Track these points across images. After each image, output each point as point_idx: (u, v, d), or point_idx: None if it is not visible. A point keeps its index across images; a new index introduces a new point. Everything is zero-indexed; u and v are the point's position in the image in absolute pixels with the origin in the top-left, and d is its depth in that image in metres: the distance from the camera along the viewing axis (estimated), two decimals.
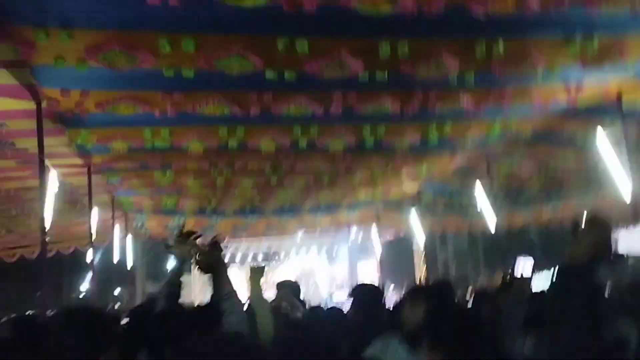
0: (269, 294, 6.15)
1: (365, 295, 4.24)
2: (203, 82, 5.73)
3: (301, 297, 5.14)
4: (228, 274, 3.11)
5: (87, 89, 5.77)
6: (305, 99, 6.21)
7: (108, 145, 7.43)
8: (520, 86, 6.46)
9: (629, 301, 3.07)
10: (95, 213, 9.49)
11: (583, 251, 1.53)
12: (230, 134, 7.38)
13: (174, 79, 5.40)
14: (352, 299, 4.48)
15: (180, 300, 3.26)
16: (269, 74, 5.29)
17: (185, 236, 3.26)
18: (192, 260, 3.22)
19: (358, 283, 5.12)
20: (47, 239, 6.18)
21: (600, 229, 1.56)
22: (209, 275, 3.08)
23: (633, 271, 3.15)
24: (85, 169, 8.69)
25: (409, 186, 12.30)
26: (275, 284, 5.10)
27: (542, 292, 2.31)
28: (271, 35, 4.94)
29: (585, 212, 1.60)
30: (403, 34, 5.05)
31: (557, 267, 1.60)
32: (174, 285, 3.13)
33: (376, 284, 5.59)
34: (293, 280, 5.19)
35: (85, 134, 6.99)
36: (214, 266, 3.08)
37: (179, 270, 3.21)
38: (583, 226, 1.58)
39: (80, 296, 21.54)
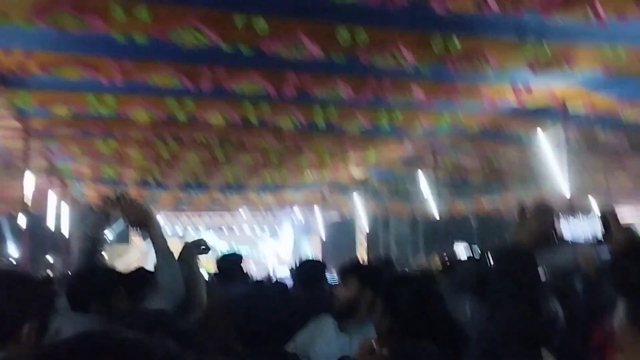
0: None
1: (309, 270, 4.31)
2: (154, 52, 5.57)
3: (244, 270, 5.12)
4: (161, 230, 2.85)
5: (31, 49, 5.50)
6: (259, 76, 6.13)
7: (49, 109, 7.13)
8: (472, 83, 6.61)
9: (561, 285, 3.33)
10: (30, 178, 9.13)
11: (528, 235, 1.60)
12: (179, 106, 7.21)
13: (124, 46, 5.23)
14: (296, 273, 4.53)
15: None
16: (225, 48, 5.17)
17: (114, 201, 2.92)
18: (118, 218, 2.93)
19: (302, 259, 5.15)
20: None
21: (547, 214, 1.63)
22: (140, 231, 2.79)
23: (573, 257, 3.34)
24: (23, 133, 8.35)
25: (356, 171, 12.45)
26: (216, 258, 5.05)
27: (482, 271, 2.41)
28: (229, 11, 4.83)
29: (533, 199, 1.67)
30: (363, 21, 5.06)
31: (499, 249, 1.68)
32: (90, 239, 2.84)
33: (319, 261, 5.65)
34: (236, 252, 5.14)
35: (25, 96, 6.68)
36: (144, 218, 2.81)
37: (98, 223, 2.90)
38: (530, 211, 1.65)
39: (11, 260, 20.77)
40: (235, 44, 5.20)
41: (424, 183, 11.70)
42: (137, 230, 2.79)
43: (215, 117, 7.53)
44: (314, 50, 5.24)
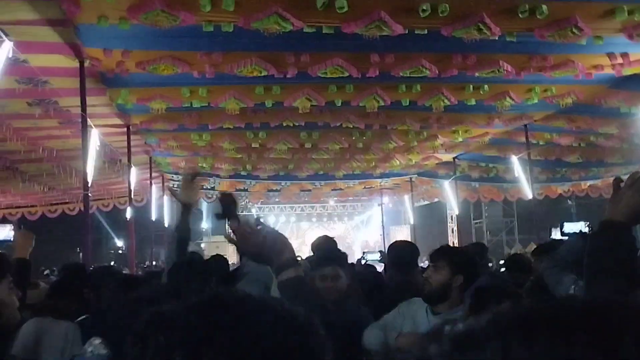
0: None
1: (400, 252, 4.28)
2: (241, 43, 5.77)
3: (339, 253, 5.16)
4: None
5: (128, 48, 5.87)
6: (342, 60, 6.19)
7: (147, 105, 7.56)
8: (564, 55, 6.32)
9: None
10: (133, 173, 9.74)
11: (625, 207, 1.53)
12: (266, 93, 7.43)
13: (212, 38, 5.45)
14: (387, 256, 4.51)
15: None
16: (307, 29, 5.28)
17: (191, 179, 2.74)
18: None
19: (393, 242, 5.12)
20: (89, 196, 6.38)
21: None
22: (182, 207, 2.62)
23: None
24: (125, 129, 8.92)
25: (444, 154, 12.24)
26: (311, 243, 5.14)
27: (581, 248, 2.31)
28: None
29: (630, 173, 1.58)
30: None
31: (597, 224, 1.62)
32: (183, 230, 2.70)
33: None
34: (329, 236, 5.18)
35: (125, 94, 7.14)
36: (189, 199, 2.63)
37: (185, 216, 2.70)
38: (626, 183, 1.57)
39: (119, 252, 22.18)
40: (318, 25, 5.29)
41: (516, 164, 11.31)
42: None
43: (301, 101, 7.66)
44: (396, 27, 5.22)
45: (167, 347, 0.65)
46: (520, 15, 5.16)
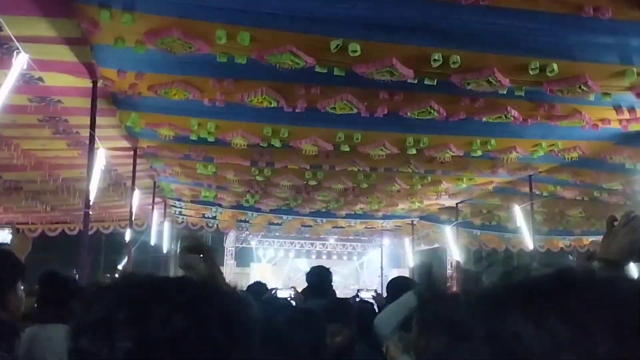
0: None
1: (398, 285, 4.24)
2: (253, 72, 5.82)
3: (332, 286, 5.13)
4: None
5: (142, 71, 5.91)
6: (352, 96, 6.24)
7: (155, 131, 7.59)
8: (571, 105, 6.36)
9: None
10: (136, 196, 9.73)
11: (617, 247, 1.50)
12: (274, 134, 7.50)
13: (225, 66, 5.50)
14: (386, 288, 4.48)
15: None
16: (319, 69, 5.36)
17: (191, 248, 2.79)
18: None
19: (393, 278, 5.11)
20: (89, 214, 6.33)
21: (638, 225, 1.50)
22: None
23: None
24: (132, 152, 8.94)
25: (448, 201, 12.21)
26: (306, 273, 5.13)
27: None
28: (324, 36, 4.99)
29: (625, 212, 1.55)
30: (455, 45, 5.06)
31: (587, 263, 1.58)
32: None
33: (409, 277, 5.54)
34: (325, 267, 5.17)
35: (135, 117, 7.17)
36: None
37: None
38: (620, 222, 1.54)
39: (117, 275, 21.98)
40: (330, 65, 5.35)
41: (519, 214, 11.26)
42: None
43: (308, 145, 7.74)
44: (407, 73, 5.27)
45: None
46: (530, 71, 5.24)
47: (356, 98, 6.20)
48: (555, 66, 5.24)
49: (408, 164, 9.01)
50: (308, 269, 5.09)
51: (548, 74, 5.30)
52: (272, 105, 6.31)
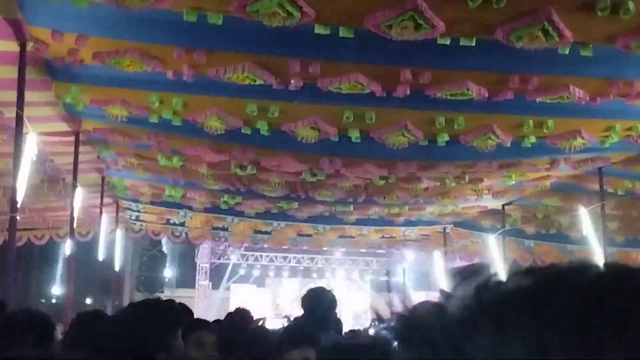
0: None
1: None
2: (231, 38, 5.84)
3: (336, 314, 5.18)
4: None
5: (86, 33, 5.93)
6: (363, 75, 6.27)
7: (103, 110, 7.62)
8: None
9: None
10: (79, 195, 9.76)
11: None
12: (260, 112, 7.52)
13: (195, 29, 5.52)
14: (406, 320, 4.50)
15: None
16: (319, 29, 5.39)
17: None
18: None
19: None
20: (17, 219, 6.33)
21: None
22: None
23: None
24: (72, 138, 8.96)
25: (491, 202, 12.23)
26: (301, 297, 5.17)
27: None
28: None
29: None
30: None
31: None
32: None
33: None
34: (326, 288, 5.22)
35: (76, 91, 7.20)
36: None
37: None
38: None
39: (52, 300, 22.10)
40: (333, 24, 5.42)
41: (585, 219, 11.27)
42: None
43: (304, 129, 7.74)
44: (436, 21, 5.22)
45: None
46: (599, 13, 5.10)
47: (368, 78, 6.24)
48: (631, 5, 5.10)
49: (439, 165, 9.12)
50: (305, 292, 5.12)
51: (623, 16, 5.18)
52: (256, 83, 6.35)
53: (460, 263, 18.91)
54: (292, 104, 7.33)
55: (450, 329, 0.80)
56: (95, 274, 13.55)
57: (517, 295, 0.76)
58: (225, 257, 23.63)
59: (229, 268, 23.78)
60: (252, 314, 6.76)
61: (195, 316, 5.45)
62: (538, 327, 0.70)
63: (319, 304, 4.87)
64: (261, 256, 23.35)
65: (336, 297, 4.98)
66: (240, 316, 6.35)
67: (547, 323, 0.70)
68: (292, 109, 7.50)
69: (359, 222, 14.53)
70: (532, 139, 8.00)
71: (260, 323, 7.45)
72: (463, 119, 7.57)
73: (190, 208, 13.52)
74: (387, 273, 20.80)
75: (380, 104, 7.09)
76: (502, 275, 0.80)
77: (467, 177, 10.16)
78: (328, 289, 5.10)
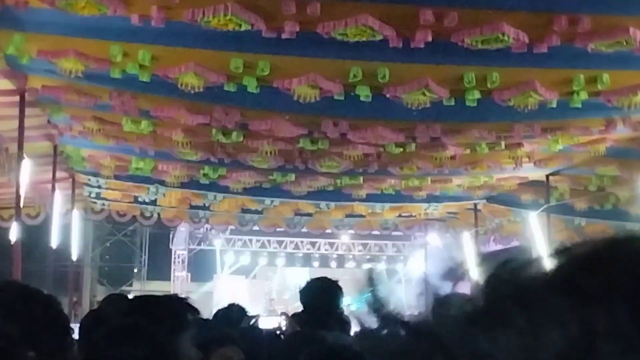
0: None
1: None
2: None
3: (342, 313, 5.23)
4: None
5: None
6: (373, 19, 6.26)
7: (54, 63, 7.60)
8: None
9: None
10: (26, 168, 9.76)
11: None
12: (247, 69, 7.51)
13: None
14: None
15: None
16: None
17: None
18: None
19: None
20: None
21: None
22: None
23: None
24: (16, 98, 8.94)
25: (533, 171, 12.24)
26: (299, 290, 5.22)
27: None
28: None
29: None
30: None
31: None
32: None
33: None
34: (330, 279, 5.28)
35: (20, 40, 7.17)
36: None
37: None
38: None
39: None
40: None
41: None
42: None
43: (302, 87, 7.72)
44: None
45: None
46: None
47: (380, 20, 6.22)
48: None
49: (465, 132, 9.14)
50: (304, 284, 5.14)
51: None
52: (241, 29, 6.32)
53: (495, 246, 18.99)
54: (286, 59, 7.31)
55: (473, 328, 0.78)
56: (47, 264, 13.56)
57: (553, 275, 0.75)
58: (207, 242, 23.70)
59: (217, 255, 23.81)
60: (245, 310, 6.80)
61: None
62: (580, 309, 0.69)
63: (321, 298, 4.90)
64: (251, 241, 23.42)
65: (342, 290, 5.00)
66: (232, 312, 6.38)
67: (591, 304, 0.69)
68: (286, 64, 7.49)
69: (371, 198, 14.60)
70: (583, 96, 7.98)
71: (252, 322, 7.51)
72: (497, 75, 7.56)
73: (162, 183, 13.55)
74: (370, 272, 20.89)
75: (395, 58, 7.08)
76: (545, 260, 0.80)
77: (503, 142, 10.15)
78: (332, 279, 5.11)
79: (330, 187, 13.54)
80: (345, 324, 5.23)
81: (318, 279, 5.22)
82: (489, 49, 6.58)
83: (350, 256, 24.31)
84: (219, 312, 6.46)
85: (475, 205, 15.71)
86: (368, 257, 24.42)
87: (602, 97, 8.09)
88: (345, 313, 5.28)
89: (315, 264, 24.03)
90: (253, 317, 7.28)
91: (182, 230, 21.86)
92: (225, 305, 6.84)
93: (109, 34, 7.08)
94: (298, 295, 5.15)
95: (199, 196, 14.83)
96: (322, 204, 15.47)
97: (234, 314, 6.25)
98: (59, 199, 12.61)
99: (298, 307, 5.56)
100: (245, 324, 6.42)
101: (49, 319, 2.66)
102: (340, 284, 4.99)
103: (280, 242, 23.46)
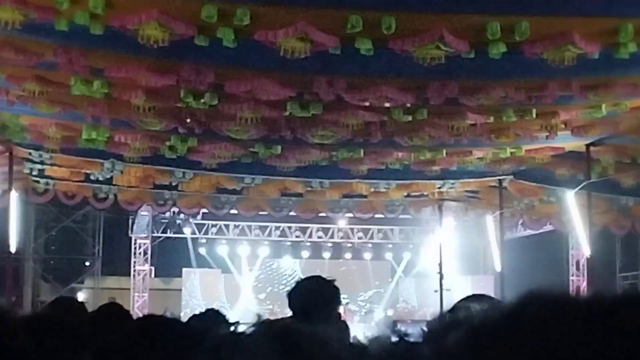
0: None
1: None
2: None
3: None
4: None
5: None
6: None
7: None
8: None
9: None
10: None
11: None
12: (222, 16, 7.55)
13: None
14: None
15: None
16: None
17: None
18: None
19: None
20: None
21: None
22: None
23: None
24: None
25: (570, 141, 12.27)
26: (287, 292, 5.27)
27: None
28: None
29: None
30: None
31: None
32: None
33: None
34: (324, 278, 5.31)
35: None
36: None
37: None
38: None
39: None
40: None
41: None
42: None
43: (289, 41, 7.76)
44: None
45: None
46: None
47: None
48: None
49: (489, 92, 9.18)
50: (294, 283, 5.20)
51: None
52: None
53: (524, 232, 19.06)
54: (270, 6, 7.34)
55: None
56: None
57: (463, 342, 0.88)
58: (175, 229, 23.72)
59: (188, 245, 23.82)
60: (225, 317, 6.84)
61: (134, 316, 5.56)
62: None
63: (313, 302, 4.96)
64: (227, 227, 23.44)
65: (339, 291, 5.06)
66: (208, 317, 6.44)
67: None
68: (270, 13, 7.51)
69: (373, 175, 14.69)
70: (632, 48, 8.02)
71: (232, 329, 7.54)
72: (527, 25, 7.61)
73: (119, 158, 13.61)
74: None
75: (402, 5, 7.11)
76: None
77: (533, 110, 10.19)
78: (327, 278, 5.16)
79: (324, 162, 13.58)
80: (342, 329, 5.30)
81: (309, 279, 5.26)
82: None
83: (349, 245, 24.31)
84: (192, 321, 6.50)
85: (500, 182, 15.73)
86: (370, 245, 24.41)
87: None
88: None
89: (305, 254, 23.99)
90: (232, 324, 7.32)
91: (144, 214, 21.87)
92: (196, 307, 6.93)
93: None
94: (286, 297, 5.21)
95: (164, 173, 14.87)
96: (315, 182, 15.50)
97: (207, 319, 6.29)
98: None
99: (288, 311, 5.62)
100: (222, 331, 6.46)
101: None
102: (336, 283, 5.04)
103: (263, 229, 23.50)
